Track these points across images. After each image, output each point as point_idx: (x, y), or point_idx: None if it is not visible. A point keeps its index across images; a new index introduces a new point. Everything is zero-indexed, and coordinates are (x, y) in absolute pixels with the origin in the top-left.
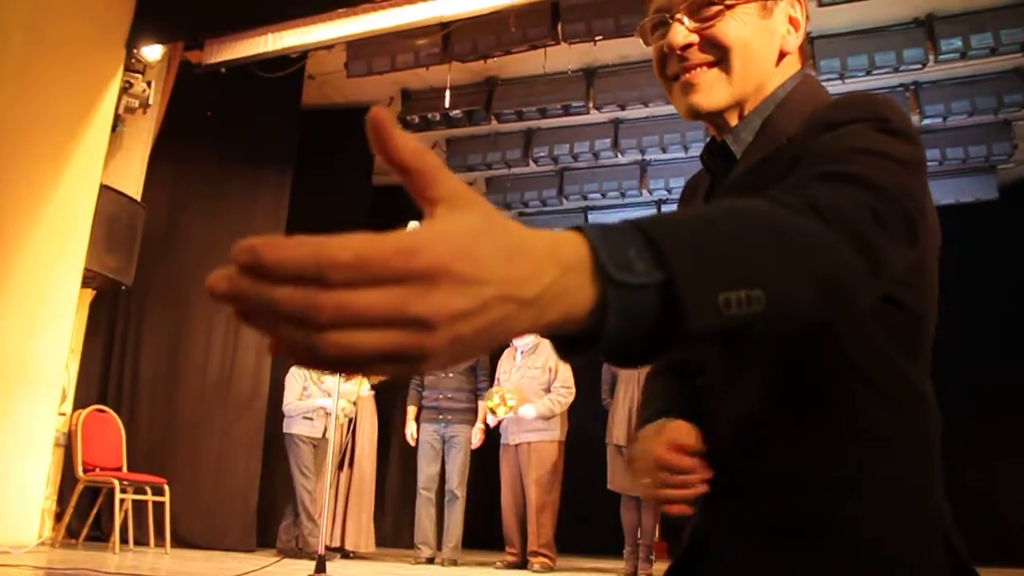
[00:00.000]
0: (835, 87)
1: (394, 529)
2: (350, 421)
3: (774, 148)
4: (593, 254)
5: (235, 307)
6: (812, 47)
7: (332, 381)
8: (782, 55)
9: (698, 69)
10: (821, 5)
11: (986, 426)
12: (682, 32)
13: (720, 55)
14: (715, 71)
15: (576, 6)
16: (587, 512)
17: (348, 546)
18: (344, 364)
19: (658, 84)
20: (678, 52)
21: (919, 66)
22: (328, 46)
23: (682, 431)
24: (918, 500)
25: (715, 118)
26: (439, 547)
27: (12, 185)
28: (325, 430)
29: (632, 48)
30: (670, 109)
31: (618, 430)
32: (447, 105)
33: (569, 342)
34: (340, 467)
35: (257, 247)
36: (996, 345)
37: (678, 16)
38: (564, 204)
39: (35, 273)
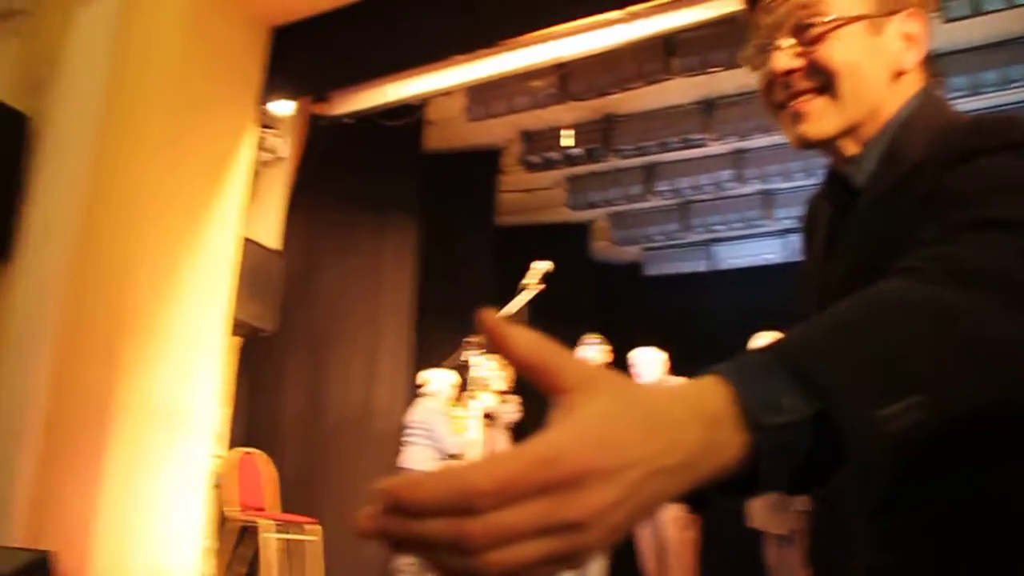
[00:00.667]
0: (967, 103)
1: None
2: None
3: (901, 176)
4: (737, 401)
5: (389, 546)
6: (940, 64)
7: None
8: (899, 74)
9: (805, 96)
10: (948, 21)
11: None
12: (784, 58)
13: (826, 80)
14: (823, 98)
15: (690, 40)
16: (729, 552)
17: None
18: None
19: None
20: (782, 79)
21: None
22: (447, 92)
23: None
24: None
25: (827, 147)
26: None
27: (160, 240)
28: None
29: (750, 78)
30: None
31: None
32: (564, 145)
33: (722, 488)
34: None
35: (398, 491)
36: None
37: (779, 41)
38: (689, 237)
39: (186, 324)
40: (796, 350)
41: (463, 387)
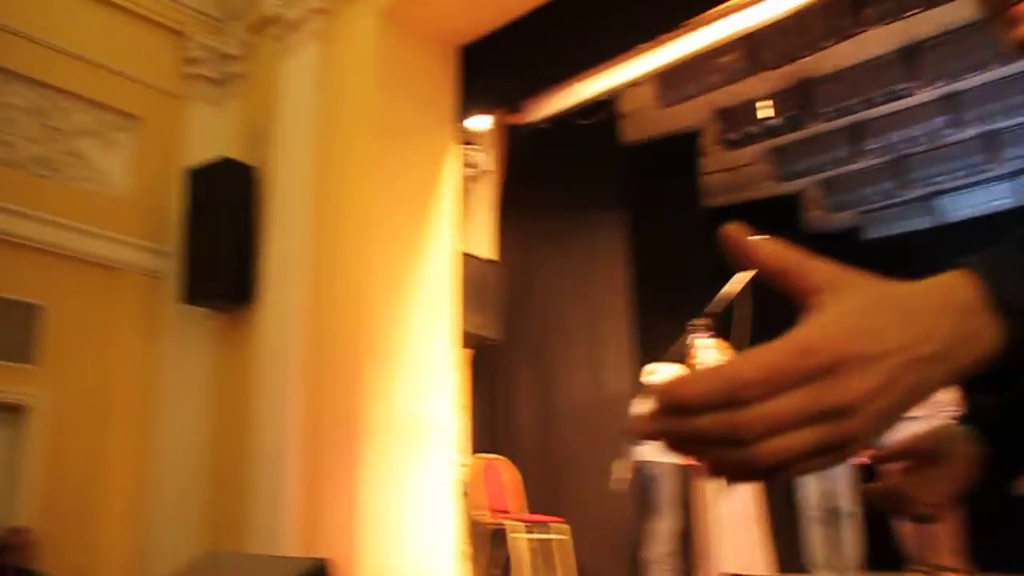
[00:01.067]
0: None
1: (786, 552)
2: None
3: None
4: (988, 290)
5: (670, 446)
6: None
7: None
8: None
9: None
10: None
11: None
12: None
13: None
14: None
15: None
16: (998, 520)
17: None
18: (775, 469)
19: (991, 46)
20: None
21: None
22: (636, 83)
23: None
24: None
25: None
26: (836, 569)
27: (385, 265)
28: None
29: (952, 14)
30: (1009, 70)
31: None
32: (762, 117)
33: (978, 385)
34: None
35: (670, 389)
36: None
37: None
38: (907, 194)
39: (416, 338)
40: None
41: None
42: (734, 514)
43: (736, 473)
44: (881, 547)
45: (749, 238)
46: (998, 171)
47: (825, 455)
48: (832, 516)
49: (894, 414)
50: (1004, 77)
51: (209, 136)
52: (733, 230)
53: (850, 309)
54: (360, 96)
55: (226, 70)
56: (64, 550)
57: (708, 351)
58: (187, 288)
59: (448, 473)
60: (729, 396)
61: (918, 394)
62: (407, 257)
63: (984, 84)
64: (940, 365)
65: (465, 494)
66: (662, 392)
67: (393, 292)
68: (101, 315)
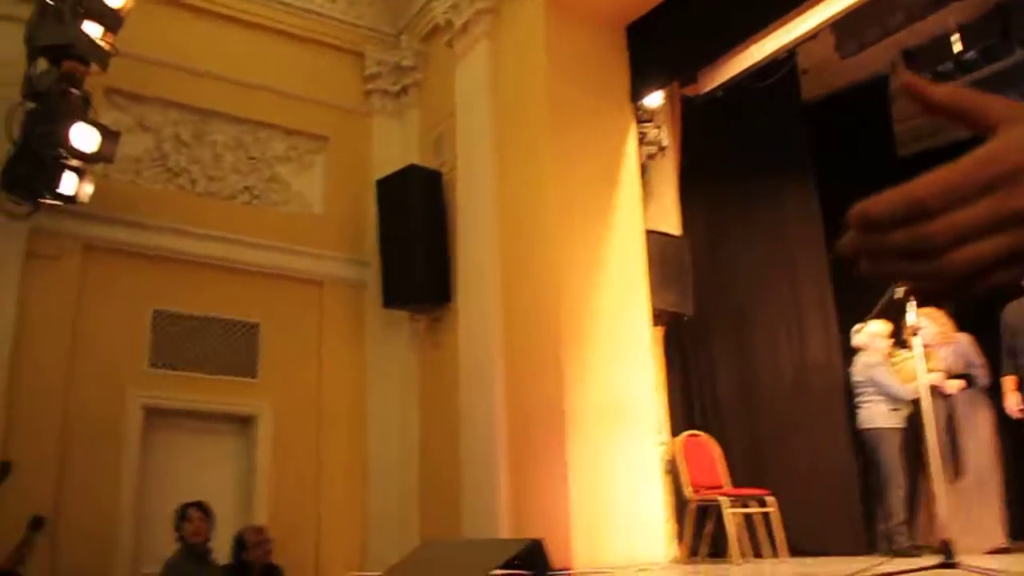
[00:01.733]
0: None
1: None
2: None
3: None
4: None
5: (867, 268)
6: None
7: (906, 371)
8: None
9: None
10: None
11: None
12: None
13: None
14: None
15: None
16: None
17: (970, 542)
18: (967, 279)
19: None
20: None
21: None
22: (813, 36)
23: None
24: None
25: None
26: None
27: (573, 250)
28: (911, 421)
29: None
30: None
31: None
32: (958, 50)
33: None
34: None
35: (863, 206)
36: None
37: None
38: None
39: (610, 321)
40: None
41: (897, 330)
42: (967, 486)
43: (933, 289)
44: None
45: (926, 84)
46: None
47: (1014, 264)
48: None
49: None
50: None
51: (394, 147)
52: (908, 79)
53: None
54: (533, 87)
55: (404, 81)
56: (292, 547)
57: (912, 304)
58: (386, 294)
59: (651, 452)
60: (916, 206)
61: None
62: (594, 241)
63: None
64: None
65: (669, 472)
66: (855, 212)
67: (584, 277)
68: (310, 327)
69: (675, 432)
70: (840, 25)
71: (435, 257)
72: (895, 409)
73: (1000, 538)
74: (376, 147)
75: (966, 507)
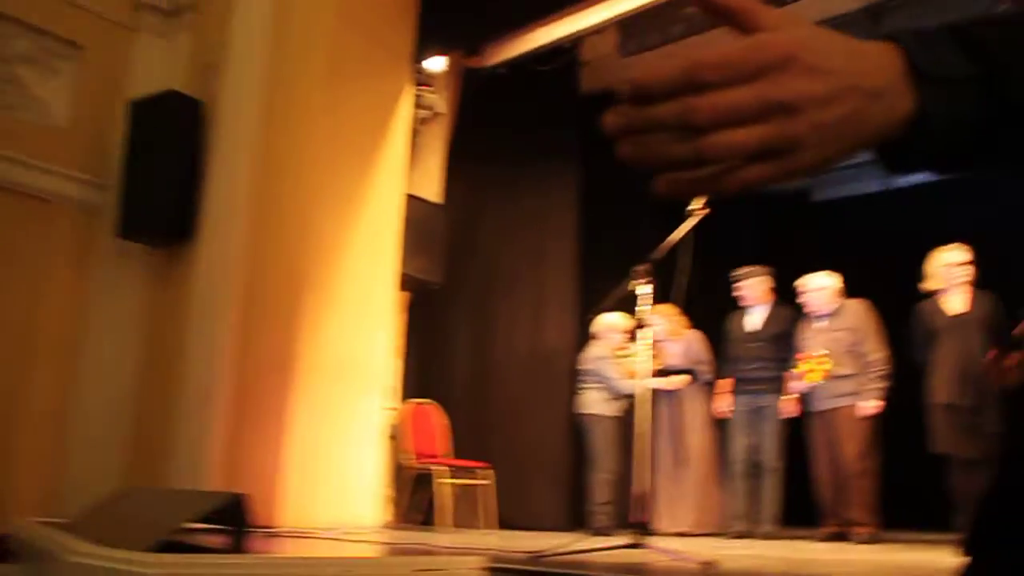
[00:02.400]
0: None
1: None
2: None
3: None
4: (908, 57)
5: (627, 149)
6: None
7: (624, 366)
8: None
9: None
10: None
11: None
12: None
13: None
14: None
15: None
16: (910, 480)
17: (668, 525)
18: (722, 172)
19: (952, 9)
20: None
21: None
22: (598, 30)
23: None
24: None
25: None
26: (754, 521)
27: (328, 201)
28: (622, 410)
29: None
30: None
31: (943, 386)
32: None
33: (894, 153)
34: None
35: (634, 76)
36: None
37: None
38: (858, 157)
39: (357, 279)
40: (966, 24)
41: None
42: (681, 474)
43: (686, 182)
44: (800, 503)
45: None
46: None
47: (772, 161)
48: (755, 470)
49: (838, 135)
50: None
51: (157, 69)
52: None
53: (801, 31)
54: (314, 32)
55: (179, 1)
56: None
57: (646, 298)
58: (124, 223)
59: (378, 416)
60: (687, 77)
61: (859, 122)
62: (352, 196)
63: None
64: (879, 104)
65: (393, 437)
66: (627, 82)
67: (336, 231)
68: (32, 247)
69: (405, 399)
70: (625, 24)
71: (183, 191)
72: (613, 399)
73: (712, 523)
74: (137, 66)
75: (682, 494)
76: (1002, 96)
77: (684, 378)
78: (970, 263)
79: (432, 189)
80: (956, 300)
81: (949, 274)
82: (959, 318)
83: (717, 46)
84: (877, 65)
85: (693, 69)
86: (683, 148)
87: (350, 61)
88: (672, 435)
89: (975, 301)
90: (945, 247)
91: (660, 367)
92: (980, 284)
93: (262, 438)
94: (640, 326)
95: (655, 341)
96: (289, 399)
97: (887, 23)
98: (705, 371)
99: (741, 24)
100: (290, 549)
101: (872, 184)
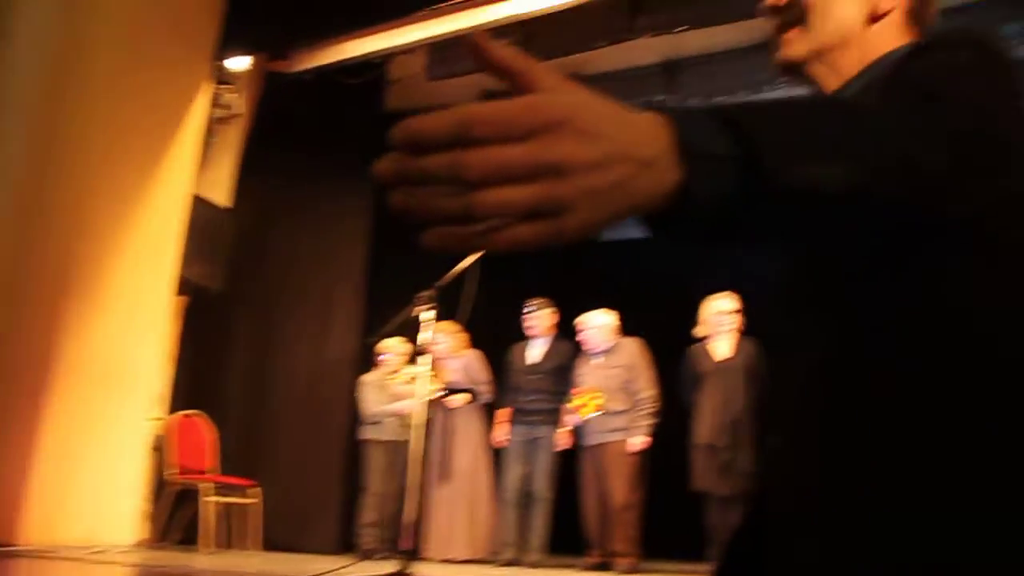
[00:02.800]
0: None
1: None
2: (431, 424)
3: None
4: (676, 132)
5: (398, 199)
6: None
7: (401, 388)
8: (875, 17)
9: (785, 29)
10: None
11: None
12: None
13: (801, 13)
14: (796, 29)
15: None
16: (672, 514)
17: (437, 551)
18: (491, 229)
19: (743, 73)
20: (772, 14)
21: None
22: (409, 49)
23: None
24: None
25: (802, 72)
26: (523, 549)
27: (107, 195)
28: (398, 433)
29: (715, 38)
30: (757, 98)
31: (705, 428)
32: None
33: (659, 223)
34: (431, 472)
35: (409, 122)
36: None
37: None
38: None
39: (131, 280)
40: (730, 108)
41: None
42: (452, 496)
43: (455, 234)
44: (568, 533)
45: (493, 43)
46: None
47: (540, 223)
48: (527, 499)
49: (606, 201)
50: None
51: None
52: (477, 37)
53: (577, 96)
54: (113, 11)
55: None
56: None
57: (428, 324)
58: None
59: (141, 426)
60: (460, 129)
61: (628, 191)
62: (134, 191)
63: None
64: (647, 172)
65: (156, 449)
66: (401, 127)
67: (111, 225)
68: None
69: (174, 409)
70: (436, 48)
71: None
72: (377, 423)
73: (480, 549)
74: None
75: (452, 519)
76: (759, 178)
77: (464, 396)
78: (737, 311)
79: (222, 192)
80: (723, 346)
81: (718, 321)
82: (723, 363)
83: (492, 102)
84: (647, 135)
85: (466, 122)
86: (453, 203)
87: (146, 46)
88: (443, 455)
89: (739, 348)
90: (716, 295)
91: (440, 386)
92: (747, 331)
93: (7, 444)
94: (421, 352)
95: (436, 359)
96: (44, 403)
97: (679, 77)
98: (484, 391)
99: (519, 83)
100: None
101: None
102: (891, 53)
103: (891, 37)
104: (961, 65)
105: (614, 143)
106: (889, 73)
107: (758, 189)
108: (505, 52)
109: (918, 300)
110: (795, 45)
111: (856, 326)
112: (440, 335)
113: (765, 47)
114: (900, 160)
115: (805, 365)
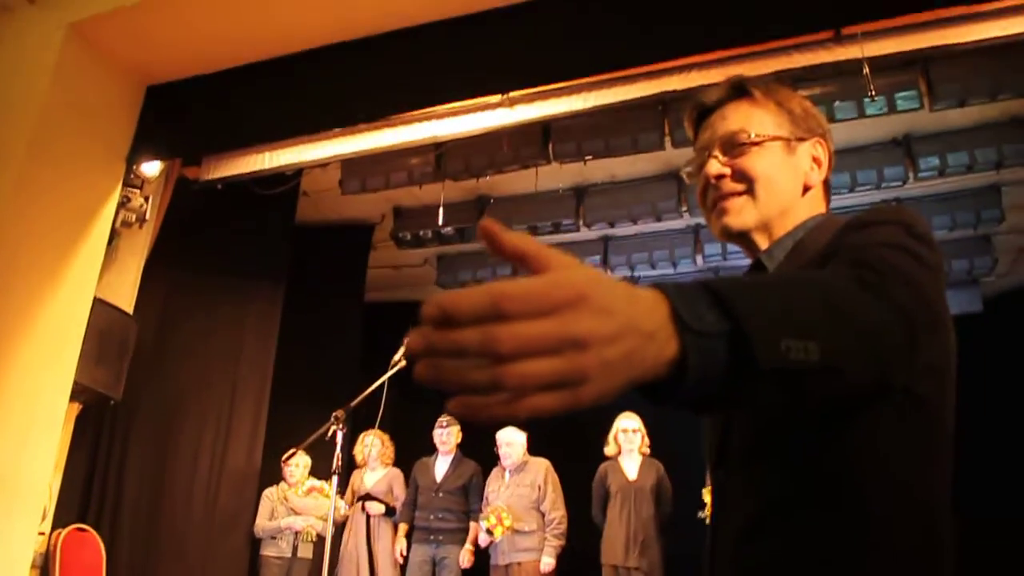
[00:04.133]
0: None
1: None
2: (322, 538)
3: (805, 260)
4: (672, 308)
5: (426, 370)
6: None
7: (297, 500)
8: (807, 188)
9: (731, 198)
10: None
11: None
12: (716, 165)
13: (748, 185)
14: (744, 198)
15: (567, 127)
16: None
17: None
18: (515, 397)
19: (647, 201)
20: (713, 182)
21: (899, 183)
22: (323, 164)
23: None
24: None
25: (745, 240)
26: None
27: (6, 294)
28: (295, 550)
29: (621, 167)
30: (659, 227)
31: (614, 549)
32: (439, 223)
33: (657, 391)
34: None
35: (441, 299)
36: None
37: (714, 152)
38: None
39: (25, 385)
40: (722, 285)
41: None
42: None
43: (482, 404)
44: None
45: (503, 230)
46: None
47: (561, 392)
48: None
49: (619, 370)
50: (653, 233)
51: None
52: (489, 224)
53: (589, 273)
54: (22, 104)
55: None
56: None
57: (371, 439)
58: None
59: (29, 542)
60: (492, 307)
61: (636, 360)
62: (37, 291)
63: (635, 235)
64: (652, 345)
65: (37, 567)
66: (433, 304)
67: (12, 324)
68: None
69: (61, 523)
70: (349, 164)
71: None
72: (273, 539)
73: None
74: None
75: None
76: (745, 351)
77: (381, 507)
78: (639, 431)
79: (126, 297)
80: (630, 465)
81: (624, 440)
82: (631, 484)
83: (518, 280)
84: (650, 309)
85: (498, 300)
86: (481, 375)
87: (55, 142)
88: (362, 563)
89: (643, 468)
90: (623, 413)
91: (360, 495)
92: (656, 453)
93: None
94: (335, 471)
95: (360, 466)
96: None
97: (586, 203)
98: (398, 507)
99: (530, 265)
100: None
101: None
102: (810, 220)
103: (812, 205)
104: (894, 241)
105: (625, 317)
106: (831, 245)
107: (745, 360)
108: (516, 238)
109: (855, 458)
110: (743, 215)
111: (795, 480)
112: (375, 440)
113: (667, 178)
114: (867, 334)
115: (742, 518)
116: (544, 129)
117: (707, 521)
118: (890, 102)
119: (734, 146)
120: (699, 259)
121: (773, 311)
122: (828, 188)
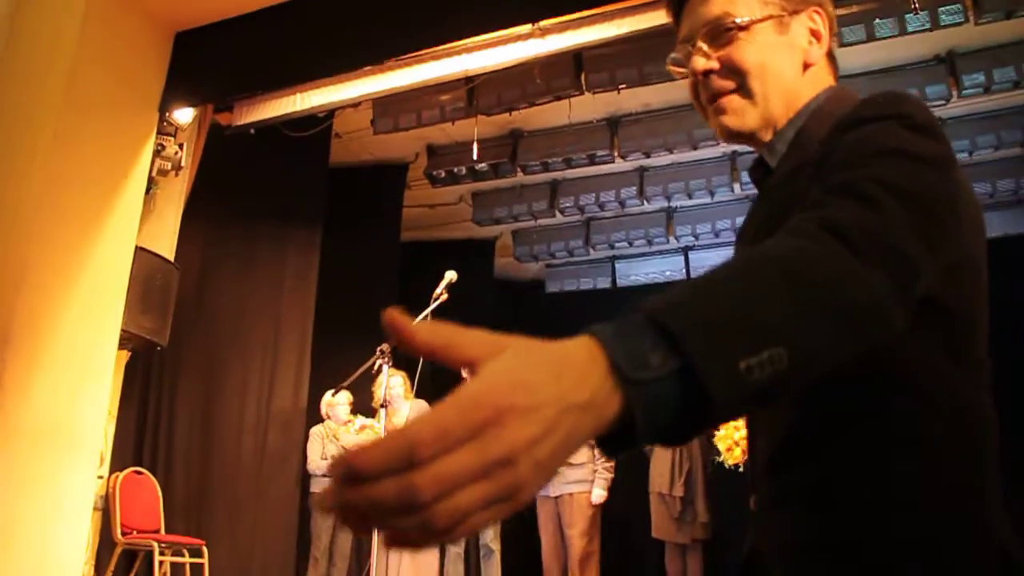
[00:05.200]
0: None
1: None
2: None
3: (805, 155)
4: (609, 359)
5: (346, 517)
6: None
7: (349, 437)
8: (807, 66)
9: (726, 96)
10: (841, 46)
11: None
12: (701, 60)
13: (740, 80)
14: (738, 96)
15: (599, 56)
16: (631, 562)
17: None
18: (454, 528)
19: (682, 130)
20: (702, 80)
21: (943, 102)
22: (354, 104)
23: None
24: (966, 512)
25: (750, 138)
26: None
27: (51, 247)
28: None
29: (655, 96)
30: (695, 155)
31: (660, 478)
32: (474, 158)
33: (613, 440)
34: None
35: (350, 457)
36: None
37: (698, 44)
38: (591, 254)
39: (75, 335)
40: (661, 311)
41: (372, 398)
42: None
43: (416, 538)
44: None
45: (407, 322)
46: (672, 245)
47: (496, 506)
48: (477, 552)
49: (555, 461)
50: (690, 162)
51: None
52: (393, 315)
53: (506, 367)
54: (54, 56)
55: None
56: None
57: (394, 379)
58: None
59: (86, 485)
60: (406, 458)
61: (573, 441)
62: (77, 242)
63: (671, 165)
64: (589, 413)
65: (101, 509)
66: (340, 463)
67: (54, 278)
68: None
69: (118, 466)
70: (380, 103)
71: None
72: (327, 476)
73: None
74: None
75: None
76: (699, 384)
77: None
78: None
79: (166, 245)
80: None
81: None
82: None
83: (429, 414)
84: (581, 376)
85: (411, 450)
86: (410, 520)
87: (89, 94)
88: None
89: None
90: None
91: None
92: None
93: None
94: (385, 404)
95: (387, 404)
96: None
97: (620, 134)
98: None
99: (444, 358)
100: None
101: (601, 280)
102: (812, 101)
103: (816, 83)
104: (890, 144)
105: (554, 403)
106: (827, 143)
107: (701, 392)
108: (423, 332)
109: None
110: (744, 117)
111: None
112: (395, 380)
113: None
114: (846, 307)
115: (776, 438)
116: (576, 59)
117: (726, 464)
118: (933, 17)
119: (719, 34)
120: (736, 187)
121: (728, 328)
122: (833, 59)
